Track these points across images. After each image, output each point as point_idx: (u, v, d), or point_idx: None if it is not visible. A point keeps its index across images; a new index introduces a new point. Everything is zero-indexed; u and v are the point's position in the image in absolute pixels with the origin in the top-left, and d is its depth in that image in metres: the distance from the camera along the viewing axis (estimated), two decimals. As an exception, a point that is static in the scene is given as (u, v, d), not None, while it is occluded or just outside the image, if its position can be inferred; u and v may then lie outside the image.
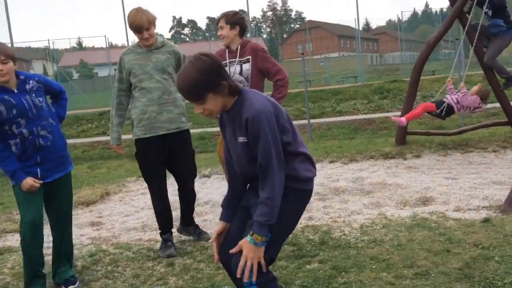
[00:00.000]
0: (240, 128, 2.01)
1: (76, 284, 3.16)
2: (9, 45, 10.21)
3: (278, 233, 2.08)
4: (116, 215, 5.10)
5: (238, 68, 3.56)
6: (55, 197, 3.15)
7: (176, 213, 4.03)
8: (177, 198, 5.43)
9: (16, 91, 2.93)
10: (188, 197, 3.91)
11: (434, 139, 7.55)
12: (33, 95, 2.99)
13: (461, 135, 7.63)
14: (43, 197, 3.06)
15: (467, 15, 7.32)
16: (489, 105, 10.74)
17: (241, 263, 1.98)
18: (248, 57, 3.55)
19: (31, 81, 3.03)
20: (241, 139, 2.03)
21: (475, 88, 6.42)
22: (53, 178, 3.07)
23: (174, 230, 3.92)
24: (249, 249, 1.97)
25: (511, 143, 6.86)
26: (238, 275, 1.99)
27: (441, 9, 33.49)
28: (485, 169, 5.73)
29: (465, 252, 3.03)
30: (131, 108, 3.64)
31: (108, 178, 7.23)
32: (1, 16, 12.64)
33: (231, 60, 3.61)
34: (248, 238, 1.97)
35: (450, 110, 6.21)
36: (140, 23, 3.43)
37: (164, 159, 3.66)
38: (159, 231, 3.77)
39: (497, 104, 7.71)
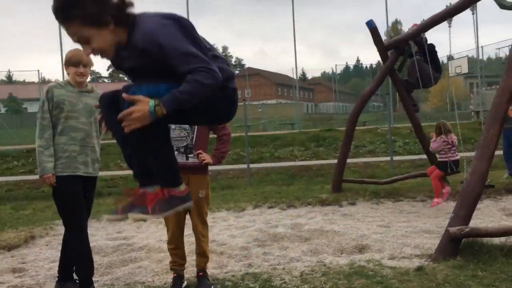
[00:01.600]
0: (138, 56, 1.86)
1: None
2: None
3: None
4: (41, 261, 4.72)
5: None
6: None
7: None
8: (109, 242, 5.24)
9: None
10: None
11: (368, 188, 7.85)
12: None
13: (392, 185, 8.01)
14: None
15: (397, 72, 7.90)
16: (416, 157, 11.46)
17: (127, 111, 1.78)
18: None
19: None
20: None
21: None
22: None
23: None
24: (142, 109, 1.77)
25: (438, 193, 7.26)
26: (120, 119, 1.79)
27: (371, 64, 35.85)
28: (414, 217, 6.00)
29: (402, 301, 3.10)
30: None
31: (34, 220, 6.76)
32: None
33: None
34: (151, 102, 1.78)
35: (452, 164, 6.75)
36: (81, 57, 3.50)
37: (83, 199, 3.53)
38: (85, 283, 3.45)
39: (424, 156, 8.21)
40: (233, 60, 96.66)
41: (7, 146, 16.40)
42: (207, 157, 3.53)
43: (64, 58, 3.58)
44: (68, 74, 3.58)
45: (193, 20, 2.03)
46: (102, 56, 1.88)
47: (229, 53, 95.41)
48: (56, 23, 1.90)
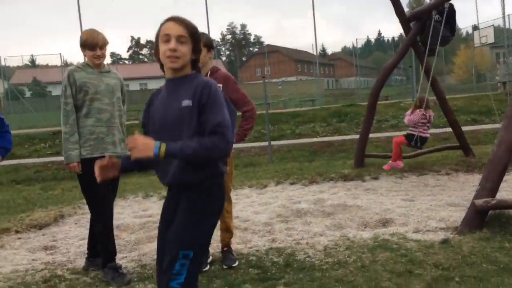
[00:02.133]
0: (188, 92, 2.03)
1: None
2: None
3: (205, 236, 2.09)
4: (71, 239, 4.87)
5: None
6: None
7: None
8: (135, 220, 5.35)
9: None
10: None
11: (391, 162, 7.75)
12: None
13: (416, 158, 7.90)
14: None
15: (420, 44, 7.69)
16: (441, 130, 11.27)
17: (134, 137, 1.91)
18: (219, 84, 3.56)
19: None
20: (186, 102, 2.02)
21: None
22: None
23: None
24: (146, 143, 1.91)
25: (463, 166, 7.15)
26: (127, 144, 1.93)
27: (393, 37, 35.10)
28: (439, 191, 5.93)
29: (427, 273, 3.09)
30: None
31: (63, 199, 6.95)
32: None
33: None
34: (157, 142, 1.91)
35: (418, 139, 7.03)
36: (96, 40, 3.49)
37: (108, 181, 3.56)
38: (106, 261, 3.52)
39: (449, 129, 8.06)
40: (252, 37, 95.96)
41: (33, 129, 16.77)
42: None
43: (79, 39, 3.53)
44: (84, 55, 3.58)
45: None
46: (175, 59, 2.04)
47: (247, 30, 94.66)
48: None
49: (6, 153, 3.21)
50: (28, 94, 38.19)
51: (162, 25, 2.08)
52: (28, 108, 24.12)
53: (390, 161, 7.29)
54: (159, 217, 5.78)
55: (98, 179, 2.19)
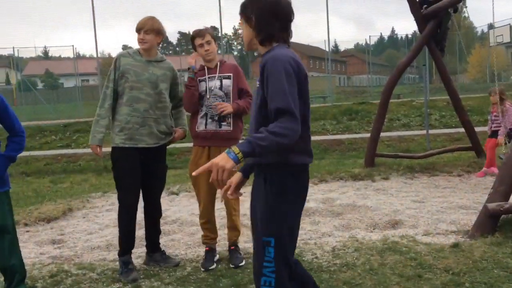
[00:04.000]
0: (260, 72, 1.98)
1: None
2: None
3: (282, 220, 1.98)
4: (79, 233, 4.89)
5: (218, 83, 3.54)
6: None
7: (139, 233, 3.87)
8: (144, 215, 5.32)
9: None
10: (156, 216, 3.76)
11: (402, 162, 7.68)
12: None
13: (427, 159, 7.81)
14: None
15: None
16: (453, 130, 11.14)
17: (213, 175, 1.79)
18: (229, 74, 3.57)
19: None
20: (258, 83, 1.99)
21: (493, 100, 6.84)
22: None
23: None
24: (219, 157, 1.78)
25: (475, 167, 7.05)
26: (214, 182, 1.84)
27: (406, 35, 34.73)
28: (450, 193, 5.84)
29: (437, 278, 3.03)
30: (114, 113, 3.52)
31: (72, 193, 6.98)
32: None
33: (210, 75, 3.57)
34: (226, 150, 1.80)
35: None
36: (142, 24, 3.44)
37: (140, 173, 3.51)
38: (119, 252, 3.53)
39: (462, 129, 7.95)
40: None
41: (45, 120, 16.89)
42: (227, 107, 3.46)
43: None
44: None
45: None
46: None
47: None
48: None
49: (11, 161, 3.06)
50: (40, 85, 38.43)
51: None
52: (40, 100, 24.29)
53: (484, 168, 6.76)
54: (167, 213, 5.76)
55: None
